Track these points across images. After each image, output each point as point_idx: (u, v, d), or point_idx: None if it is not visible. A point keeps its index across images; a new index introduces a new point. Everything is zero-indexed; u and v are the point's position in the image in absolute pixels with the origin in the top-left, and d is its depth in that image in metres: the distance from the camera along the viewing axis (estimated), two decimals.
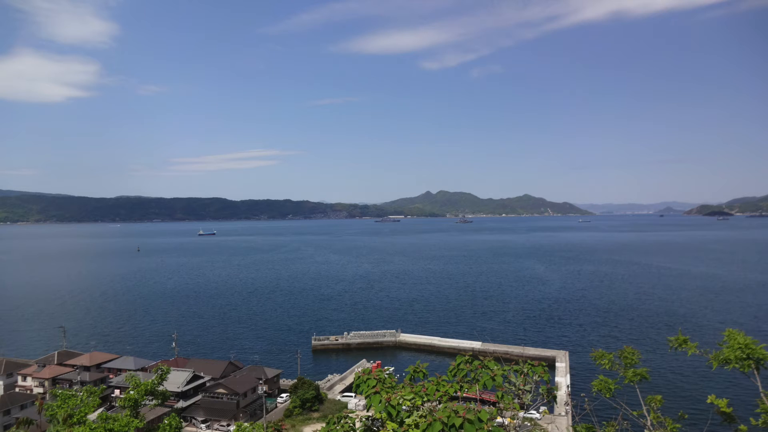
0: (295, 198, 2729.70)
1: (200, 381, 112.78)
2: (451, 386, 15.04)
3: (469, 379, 15.57)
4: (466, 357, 16.46)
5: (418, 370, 16.53)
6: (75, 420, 40.78)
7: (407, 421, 13.34)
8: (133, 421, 38.34)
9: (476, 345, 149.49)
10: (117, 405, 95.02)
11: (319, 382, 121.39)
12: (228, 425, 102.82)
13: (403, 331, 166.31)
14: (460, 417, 12.62)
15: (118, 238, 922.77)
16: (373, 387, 14.59)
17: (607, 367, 19.83)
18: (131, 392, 47.53)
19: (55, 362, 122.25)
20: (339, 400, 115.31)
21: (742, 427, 17.25)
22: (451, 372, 16.09)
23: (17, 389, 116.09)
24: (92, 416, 43.20)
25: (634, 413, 19.70)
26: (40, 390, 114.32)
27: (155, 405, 50.98)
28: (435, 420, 12.65)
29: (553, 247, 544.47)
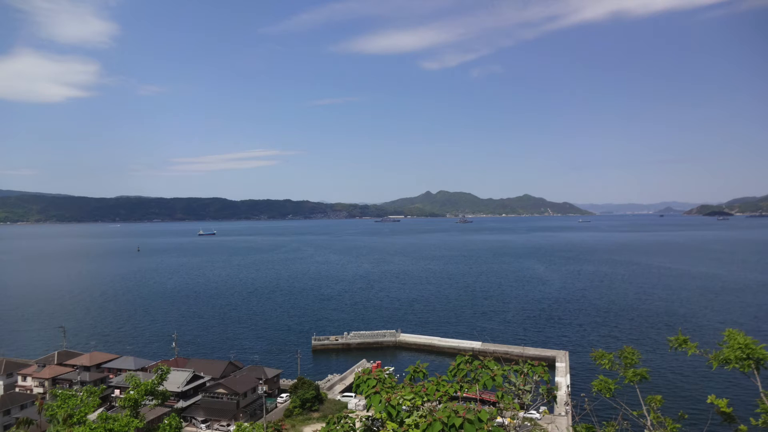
0: (295, 198, 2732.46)
1: (200, 381, 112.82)
2: (451, 386, 15.04)
3: (469, 379, 15.57)
4: (466, 357, 16.47)
5: (418, 370, 16.52)
6: (75, 420, 40.77)
7: (407, 421, 13.35)
8: (133, 421, 38.34)
9: (476, 345, 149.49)
10: (117, 405, 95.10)
11: (319, 382, 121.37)
12: (228, 425, 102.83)
13: (403, 331, 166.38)
14: (460, 417, 12.63)
15: (118, 238, 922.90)
16: (373, 387, 14.59)
17: (607, 367, 19.83)
18: (131, 392, 47.52)
19: (55, 362, 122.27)
20: (339, 400, 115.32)
21: (742, 427, 17.26)
22: (451, 372, 16.09)
23: (17, 389, 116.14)
24: (92, 416, 43.17)
25: (634, 413, 19.70)
26: (40, 390, 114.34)
27: (155, 405, 50.98)
28: (435, 420, 12.65)
29: (553, 247, 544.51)
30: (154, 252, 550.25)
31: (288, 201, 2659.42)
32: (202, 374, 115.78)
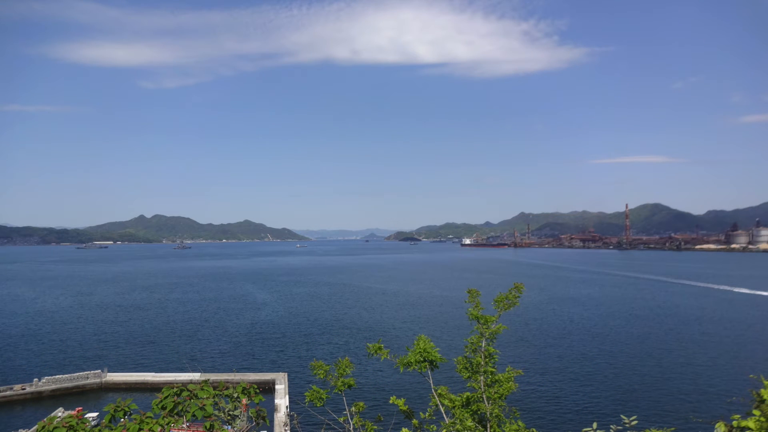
0: None
1: None
2: (156, 423, 14.16)
3: (177, 411, 14.88)
4: (174, 389, 15.72)
5: (119, 409, 15.01)
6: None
7: None
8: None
9: (195, 376, 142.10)
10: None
11: None
12: None
13: (110, 370, 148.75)
14: None
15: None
16: None
17: (321, 377, 20.91)
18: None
19: None
20: None
21: (414, 421, 20.26)
22: (157, 406, 15.15)
23: None
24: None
25: (341, 419, 21.28)
26: None
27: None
28: None
29: (273, 271, 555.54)
30: None
31: None
32: None
